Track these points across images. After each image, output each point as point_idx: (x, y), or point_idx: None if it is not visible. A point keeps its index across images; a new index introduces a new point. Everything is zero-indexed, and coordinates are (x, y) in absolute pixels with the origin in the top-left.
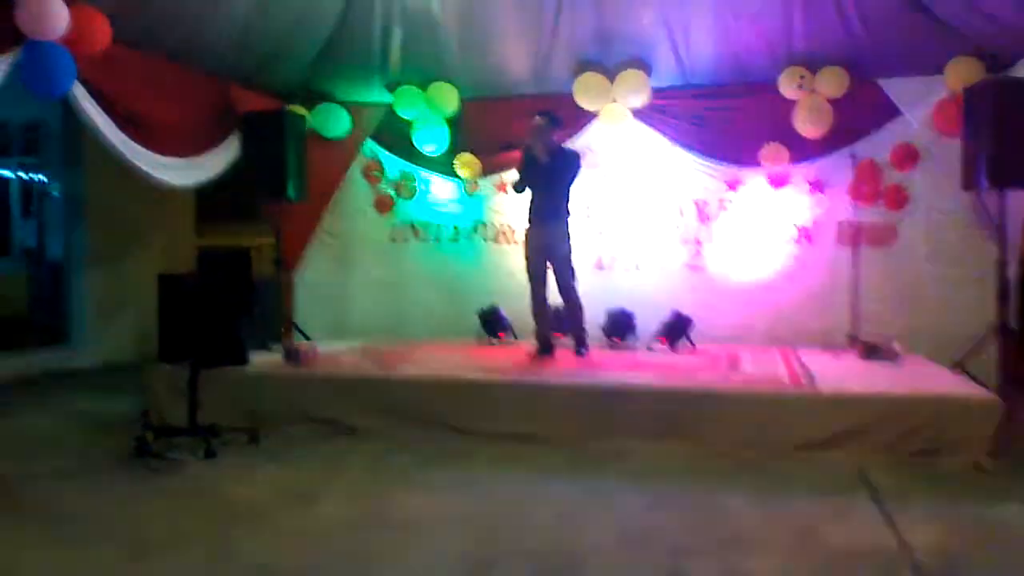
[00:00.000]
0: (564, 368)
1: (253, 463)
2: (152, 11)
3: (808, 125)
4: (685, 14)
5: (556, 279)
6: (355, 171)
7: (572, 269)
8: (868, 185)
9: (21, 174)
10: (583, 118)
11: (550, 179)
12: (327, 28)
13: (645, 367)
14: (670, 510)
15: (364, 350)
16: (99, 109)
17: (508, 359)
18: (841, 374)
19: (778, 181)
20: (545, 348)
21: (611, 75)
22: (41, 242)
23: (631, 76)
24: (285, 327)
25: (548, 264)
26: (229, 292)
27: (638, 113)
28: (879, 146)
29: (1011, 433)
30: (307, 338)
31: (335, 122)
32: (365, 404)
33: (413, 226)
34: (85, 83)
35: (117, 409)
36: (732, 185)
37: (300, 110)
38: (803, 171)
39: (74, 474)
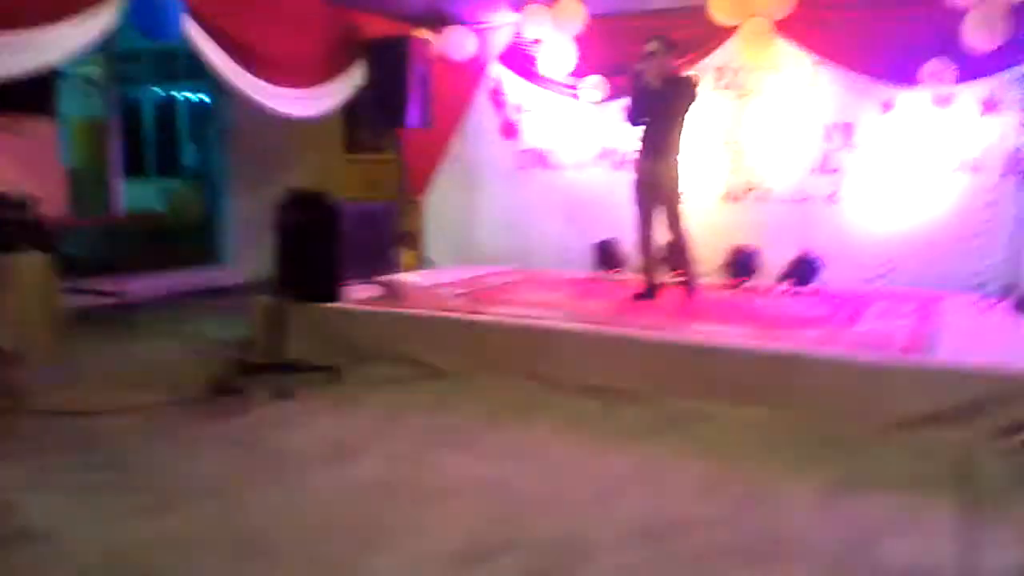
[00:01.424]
0: (656, 318)
1: (316, 408)
2: None
3: (979, 36)
4: None
5: (665, 214)
6: (483, 96)
7: (679, 205)
8: None
9: (188, 95)
10: (719, 35)
11: (663, 108)
12: None
13: (745, 318)
14: (721, 498)
15: (462, 284)
16: (214, 44)
17: (607, 301)
18: (976, 334)
19: (941, 102)
20: (648, 290)
21: None
22: (203, 163)
23: None
24: (406, 249)
25: (656, 199)
26: (317, 232)
27: (782, 26)
28: None
29: None
30: (432, 262)
31: (461, 44)
32: (447, 345)
33: (539, 152)
34: (197, 18)
35: (237, 335)
36: (886, 107)
37: (426, 34)
38: (971, 91)
39: (151, 411)
